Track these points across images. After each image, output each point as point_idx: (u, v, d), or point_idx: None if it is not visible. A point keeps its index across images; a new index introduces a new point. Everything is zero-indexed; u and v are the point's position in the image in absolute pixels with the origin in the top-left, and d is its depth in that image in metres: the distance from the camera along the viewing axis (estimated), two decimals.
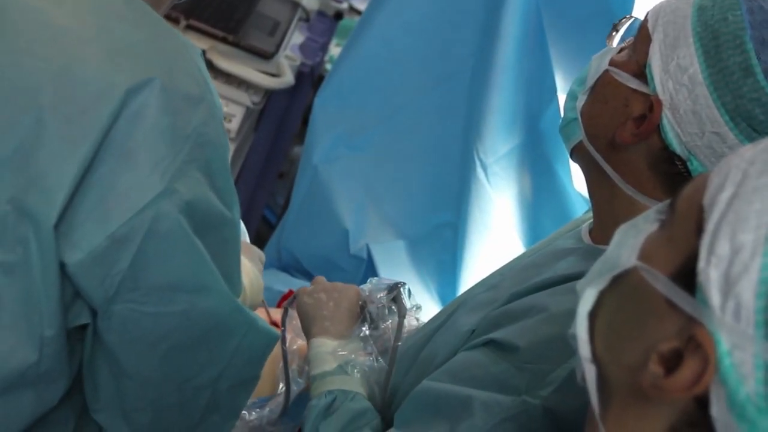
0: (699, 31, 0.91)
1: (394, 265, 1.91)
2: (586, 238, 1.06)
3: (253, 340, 0.95)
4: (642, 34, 0.97)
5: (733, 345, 0.50)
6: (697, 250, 0.54)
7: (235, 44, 2.22)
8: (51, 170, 0.80)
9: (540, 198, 1.92)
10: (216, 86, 2.15)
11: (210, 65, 2.18)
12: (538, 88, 1.90)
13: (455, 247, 1.88)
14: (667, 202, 0.61)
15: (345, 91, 2.00)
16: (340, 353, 1.06)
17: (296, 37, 2.44)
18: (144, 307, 0.85)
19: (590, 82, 1.02)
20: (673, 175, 0.95)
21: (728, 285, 0.51)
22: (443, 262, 1.91)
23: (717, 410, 0.51)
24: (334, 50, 2.70)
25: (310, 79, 2.42)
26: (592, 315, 0.62)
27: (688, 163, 0.93)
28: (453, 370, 0.95)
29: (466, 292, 1.21)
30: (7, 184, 0.80)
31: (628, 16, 1.06)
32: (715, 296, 0.51)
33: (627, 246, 0.61)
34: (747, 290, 0.50)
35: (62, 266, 0.82)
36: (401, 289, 1.14)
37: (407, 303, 1.13)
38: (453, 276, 1.88)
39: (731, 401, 0.50)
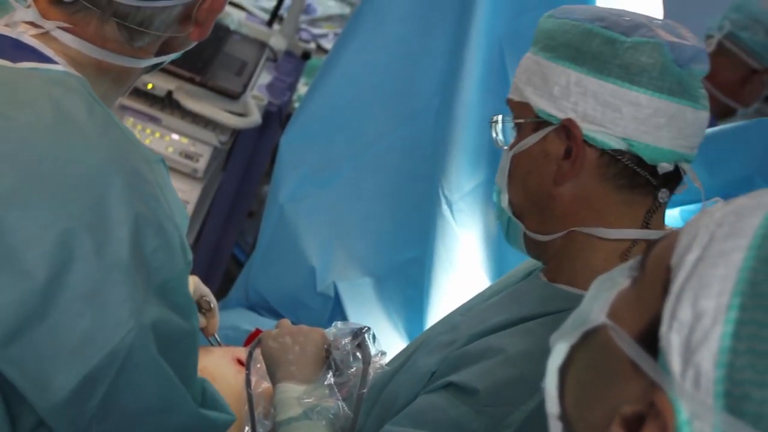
0: (553, 53, 1.00)
1: (362, 303, 1.90)
2: (542, 277, 1.08)
3: None
4: (515, 103, 1.04)
5: (692, 414, 0.48)
6: (661, 312, 0.52)
7: (203, 84, 2.24)
8: None
9: None
10: (183, 126, 2.21)
11: (177, 105, 2.20)
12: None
13: (422, 283, 1.89)
14: (639, 258, 0.59)
15: (311, 129, 2.01)
16: (306, 401, 1.06)
17: (264, 77, 2.46)
18: None
19: (504, 176, 1.06)
20: (623, 173, 0.98)
21: (689, 352, 0.49)
22: (410, 299, 1.91)
23: None
24: (303, 89, 2.72)
25: (278, 118, 2.44)
26: (563, 370, 0.60)
27: (631, 149, 0.97)
28: (414, 414, 0.96)
29: (426, 331, 1.22)
30: None
31: (494, 119, 1.10)
32: (675, 363, 0.49)
33: (600, 300, 0.59)
34: (707, 359, 0.48)
35: (35, 406, 0.83)
36: (366, 335, 1.13)
37: (372, 349, 1.12)
38: (420, 313, 1.88)
39: None
